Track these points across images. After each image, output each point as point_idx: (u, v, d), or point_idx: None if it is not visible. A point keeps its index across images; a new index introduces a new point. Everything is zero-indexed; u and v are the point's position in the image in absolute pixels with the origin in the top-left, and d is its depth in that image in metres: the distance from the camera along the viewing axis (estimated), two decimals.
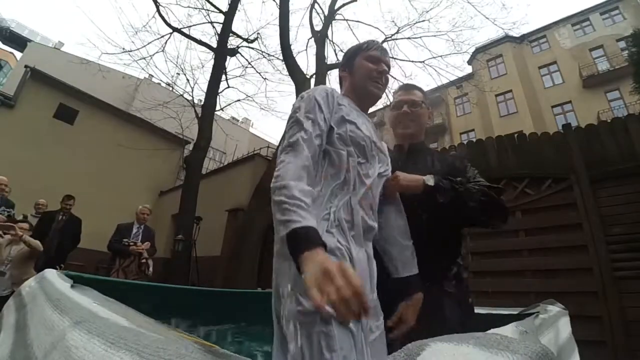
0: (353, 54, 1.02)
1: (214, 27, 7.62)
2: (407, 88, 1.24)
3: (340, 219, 0.77)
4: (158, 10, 7.12)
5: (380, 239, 0.93)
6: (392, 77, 9.21)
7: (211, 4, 7.35)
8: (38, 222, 3.99)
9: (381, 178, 0.90)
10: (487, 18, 7.54)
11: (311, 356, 0.61)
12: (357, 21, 8.63)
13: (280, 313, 0.72)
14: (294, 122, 0.82)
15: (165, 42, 7.73)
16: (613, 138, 2.61)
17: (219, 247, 6.12)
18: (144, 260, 3.24)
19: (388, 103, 8.81)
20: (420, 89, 1.24)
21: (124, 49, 7.74)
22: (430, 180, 0.97)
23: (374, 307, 0.79)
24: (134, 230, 3.50)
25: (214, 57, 7.06)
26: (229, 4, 7.09)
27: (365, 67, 0.97)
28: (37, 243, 3.14)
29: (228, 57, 7.36)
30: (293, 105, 0.88)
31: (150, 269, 3.39)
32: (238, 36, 7.74)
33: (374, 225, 0.83)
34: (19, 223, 3.27)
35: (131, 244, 3.30)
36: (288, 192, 0.70)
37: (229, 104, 9.64)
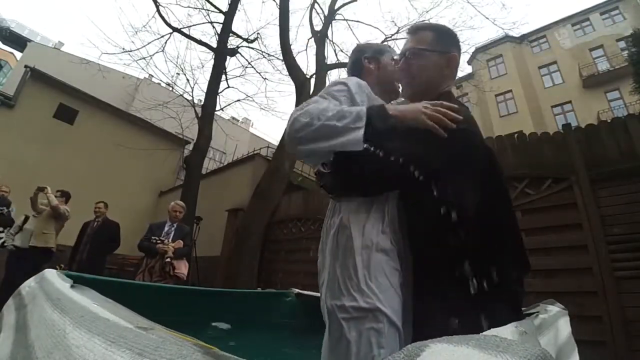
0: (380, 51, 1.06)
1: (214, 27, 7.63)
2: (413, 31, 0.93)
3: (394, 217, 0.77)
4: (158, 10, 7.12)
5: None
6: None
7: (211, 4, 7.35)
8: (79, 232, 4.19)
9: None
10: (487, 18, 7.56)
11: (358, 351, 0.63)
12: (357, 21, 8.65)
13: (333, 308, 0.73)
14: (320, 95, 0.81)
15: (165, 42, 7.74)
16: (613, 138, 2.61)
17: (219, 247, 6.13)
18: (167, 260, 2.98)
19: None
20: (432, 28, 0.90)
21: (124, 49, 7.76)
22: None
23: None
24: (165, 229, 3.28)
25: (214, 57, 7.07)
26: (229, 4, 7.10)
27: (391, 71, 1.02)
28: (56, 202, 3.93)
29: (228, 57, 7.37)
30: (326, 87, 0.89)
31: (184, 270, 3.14)
32: (238, 36, 7.74)
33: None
34: (57, 192, 4.18)
35: (158, 241, 3.07)
36: (327, 109, 0.72)
37: (229, 104, 9.65)
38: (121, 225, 4.30)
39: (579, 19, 15.38)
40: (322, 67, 6.71)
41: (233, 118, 15.28)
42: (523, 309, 1.12)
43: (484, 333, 0.32)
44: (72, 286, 0.68)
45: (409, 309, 0.73)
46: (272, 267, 5.35)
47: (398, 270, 0.73)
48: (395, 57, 1.01)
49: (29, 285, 0.77)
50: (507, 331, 0.38)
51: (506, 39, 15.15)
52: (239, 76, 8.47)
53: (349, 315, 0.68)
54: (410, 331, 0.73)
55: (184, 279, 3.18)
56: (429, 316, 0.72)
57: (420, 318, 0.74)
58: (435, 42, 0.87)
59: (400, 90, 0.98)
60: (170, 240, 3.18)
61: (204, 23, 8.05)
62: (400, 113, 0.71)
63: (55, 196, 4.13)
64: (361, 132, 0.67)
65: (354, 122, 0.68)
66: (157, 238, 3.12)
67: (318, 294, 0.84)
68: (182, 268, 3.15)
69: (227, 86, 7.76)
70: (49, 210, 3.97)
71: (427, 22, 0.92)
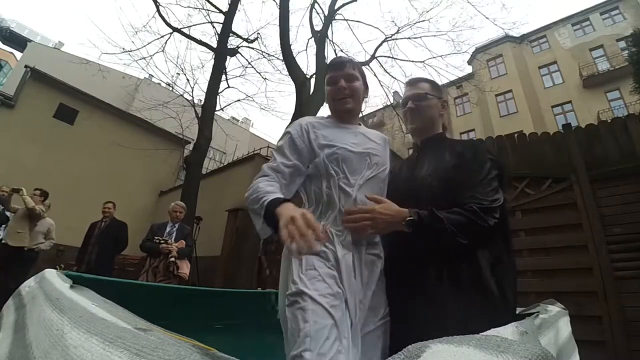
0: (323, 83, 1.16)
1: (214, 27, 7.63)
2: (412, 82, 1.19)
3: (328, 231, 0.89)
4: (158, 10, 7.12)
5: None
6: (392, 77, 9.24)
7: (211, 4, 7.35)
8: (86, 233, 4.15)
9: (374, 180, 0.99)
10: (487, 18, 7.55)
11: (292, 328, 0.75)
12: (357, 21, 8.65)
13: (284, 302, 0.85)
14: (273, 152, 1.02)
15: (165, 42, 7.73)
16: (613, 138, 2.61)
17: (219, 247, 6.13)
18: (171, 260, 3.00)
19: (388, 103, 8.82)
20: (427, 80, 1.18)
21: (124, 49, 7.75)
22: (412, 216, 0.86)
23: (370, 304, 0.88)
24: (168, 229, 3.31)
25: (214, 57, 7.07)
26: (229, 4, 7.09)
27: (328, 92, 1.09)
28: (31, 203, 3.99)
29: (228, 57, 7.36)
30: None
31: (186, 270, 3.16)
32: (238, 36, 7.74)
33: None
34: (35, 190, 4.24)
35: (162, 241, 3.10)
36: (254, 191, 0.91)
37: (229, 104, 9.64)
38: None
39: (579, 19, 15.38)
40: (322, 67, 6.69)
41: (233, 118, 15.29)
42: (523, 309, 1.12)
43: (485, 333, 0.32)
44: (71, 286, 0.68)
45: (354, 298, 0.84)
46: (272, 267, 5.35)
47: (329, 267, 0.85)
48: (329, 75, 1.09)
49: (28, 285, 0.77)
50: (507, 331, 0.38)
51: (506, 39, 15.16)
52: (239, 76, 8.47)
53: (289, 301, 0.81)
54: (364, 315, 0.85)
55: (186, 279, 3.21)
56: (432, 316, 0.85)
57: (422, 317, 0.86)
58: (432, 90, 1.14)
59: (340, 110, 1.08)
60: (172, 240, 3.21)
61: (204, 23, 8.07)
62: (279, 214, 0.79)
63: (34, 194, 4.18)
64: (261, 221, 0.84)
65: (260, 210, 0.84)
66: (160, 238, 3.14)
67: None
68: (185, 268, 3.17)
69: (227, 86, 7.76)
70: (24, 210, 4.04)
71: (421, 77, 1.20)
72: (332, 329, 0.73)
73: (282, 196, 0.85)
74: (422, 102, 1.11)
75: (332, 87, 1.07)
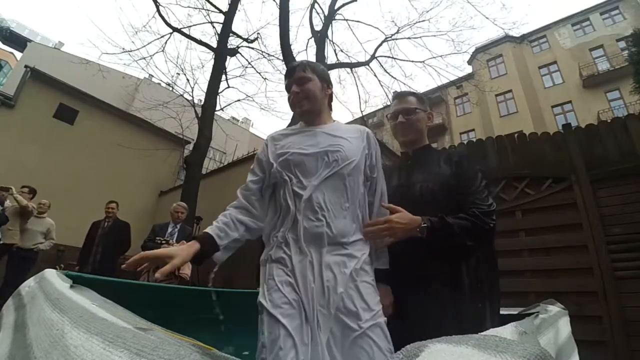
0: None
1: (214, 27, 7.64)
2: (401, 96, 1.26)
3: (286, 237, 0.93)
4: (158, 10, 7.13)
5: None
6: (392, 76, 9.23)
7: (211, 4, 7.36)
8: (88, 232, 4.14)
9: (335, 177, 0.96)
10: (487, 18, 7.57)
11: (257, 337, 0.83)
12: (357, 21, 8.67)
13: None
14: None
15: (165, 42, 7.74)
16: (613, 138, 2.61)
17: None
18: None
19: (388, 103, 8.82)
20: (414, 94, 1.26)
21: (124, 49, 7.77)
22: (425, 223, 0.93)
23: (347, 309, 0.84)
24: (169, 230, 3.33)
25: (214, 57, 7.07)
26: (229, 4, 7.10)
27: (288, 100, 1.12)
28: (24, 202, 4.08)
29: (228, 57, 7.37)
30: None
31: (187, 270, 3.15)
32: (238, 36, 7.75)
33: (320, 232, 0.90)
34: (23, 187, 4.30)
35: (163, 242, 3.10)
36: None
37: (229, 104, 9.66)
38: None
39: (579, 19, 15.38)
40: None
41: (233, 118, 15.29)
42: (523, 308, 1.12)
43: (484, 333, 0.32)
44: (71, 286, 0.68)
45: (311, 303, 0.83)
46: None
47: (287, 273, 0.89)
48: (285, 83, 1.12)
49: (28, 285, 0.77)
50: (506, 331, 0.38)
51: (506, 38, 15.16)
52: (239, 76, 8.48)
53: (259, 309, 0.87)
54: (332, 320, 0.82)
55: (187, 280, 3.21)
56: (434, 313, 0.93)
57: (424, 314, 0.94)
58: (419, 104, 1.23)
59: (298, 114, 1.10)
60: (174, 241, 3.21)
61: (204, 23, 8.07)
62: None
63: (22, 192, 4.24)
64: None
65: None
66: (161, 239, 3.15)
67: None
68: (186, 269, 3.18)
69: (227, 86, 7.76)
70: (14, 208, 4.10)
71: (408, 90, 1.56)
72: (286, 338, 0.77)
73: (209, 231, 0.98)
74: (411, 116, 1.21)
75: (288, 94, 1.09)
